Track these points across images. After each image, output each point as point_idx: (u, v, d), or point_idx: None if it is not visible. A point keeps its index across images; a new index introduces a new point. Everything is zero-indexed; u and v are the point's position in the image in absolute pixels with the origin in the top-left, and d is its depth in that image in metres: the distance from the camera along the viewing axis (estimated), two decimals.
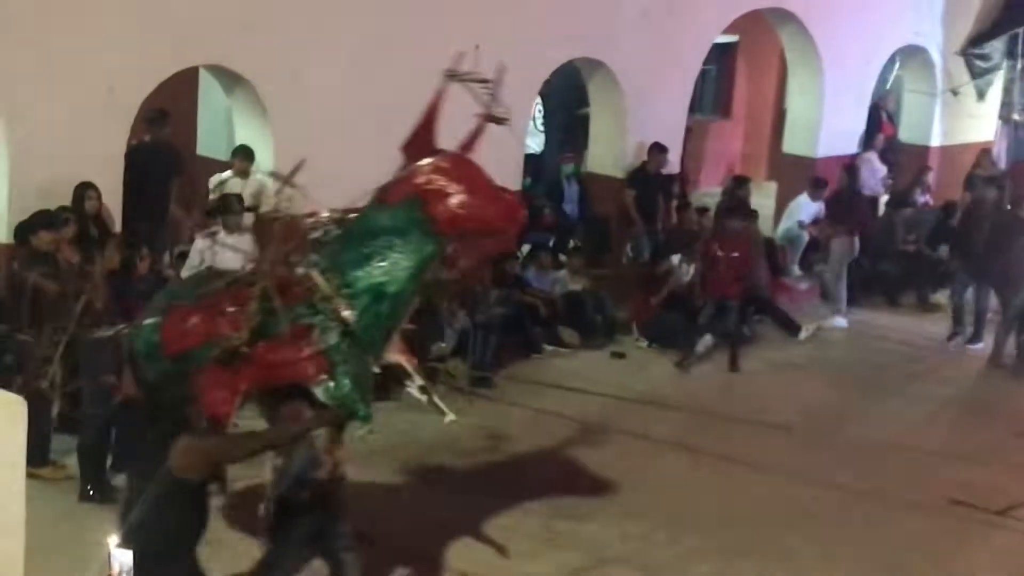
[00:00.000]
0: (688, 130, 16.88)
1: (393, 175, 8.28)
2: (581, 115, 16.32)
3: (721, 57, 19.30)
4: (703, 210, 15.42)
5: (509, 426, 11.49)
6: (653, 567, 9.16)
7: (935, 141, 19.00)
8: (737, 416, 12.10)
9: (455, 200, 7.84)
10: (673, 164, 15.77)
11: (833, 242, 15.39)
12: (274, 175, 8.21)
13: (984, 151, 18.56)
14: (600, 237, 15.35)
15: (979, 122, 19.45)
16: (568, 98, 16.95)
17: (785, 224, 16.57)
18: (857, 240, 15.42)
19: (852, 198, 15.86)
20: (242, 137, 12.62)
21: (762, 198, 17.56)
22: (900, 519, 10.19)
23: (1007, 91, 19.52)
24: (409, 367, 8.07)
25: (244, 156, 12.34)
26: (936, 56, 18.59)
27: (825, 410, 12.55)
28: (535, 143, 17.22)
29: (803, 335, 14.58)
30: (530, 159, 15.45)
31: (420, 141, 8.56)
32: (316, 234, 7.91)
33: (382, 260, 7.70)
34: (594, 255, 15.04)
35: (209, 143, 14.17)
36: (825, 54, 17.12)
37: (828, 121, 17.45)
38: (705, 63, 16.79)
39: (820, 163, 17.33)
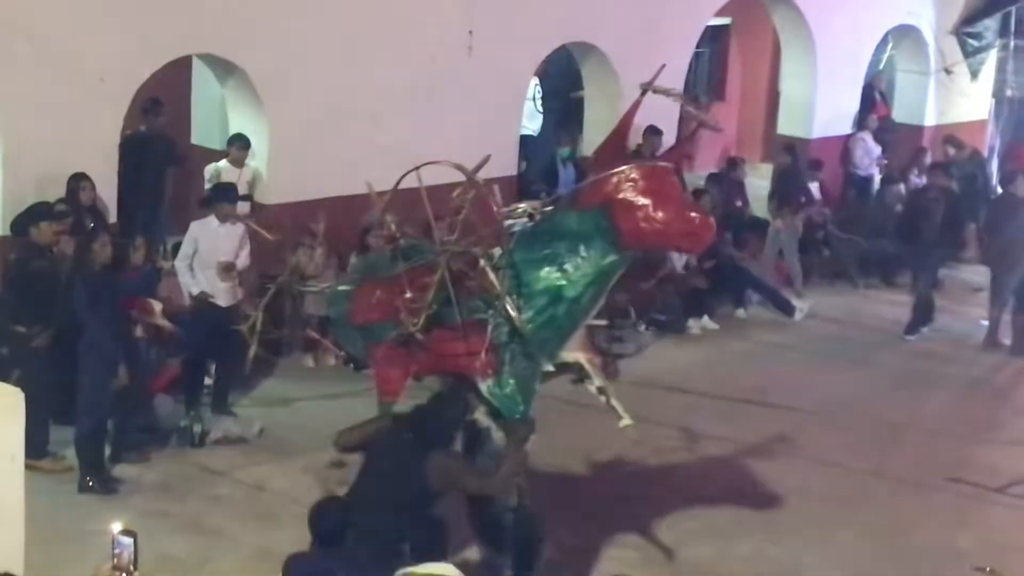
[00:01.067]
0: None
1: (588, 180, 8.26)
2: (576, 98, 16.31)
3: (714, 39, 19.28)
4: (700, 192, 15.41)
5: None
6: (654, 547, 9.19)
7: (929, 121, 18.99)
8: (734, 396, 12.13)
9: (641, 214, 7.75)
10: (668, 146, 15.75)
11: (776, 223, 15.41)
12: (460, 168, 8.28)
13: (949, 135, 18.47)
14: None
15: (972, 101, 19.43)
16: (565, 81, 16.93)
17: None
18: (800, 220, 15.48)
19: (795, 178, 15.86)
20: (236, 126, 12.60)
21: (757, 179, 17.55)
22: (899, 497, 10.22)
23: (1000, 70, 19.50)
24: (589, 367, 8.02)
25: (240, 145, 12.33)
26: (929, 36, 18.56)
27: (821, 390, 12.55)
28: (532, 125, 17.21)
29: (798, 315, 14.61)
30: (526, 142, 15.44)
31: (613, 149, 8.54)
32: (507, 229, 7.92)
33: (564, 263, 7.72)
34: None
35: (203, 132, 14.16)
36: (818, 35, 17.11)
37: (822, 102, 17.44)
38: (698, 46, 16.78)
39: (815, 144, 17.34)
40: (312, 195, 12.37)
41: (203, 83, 13.85)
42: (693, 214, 7.93)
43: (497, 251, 7.75)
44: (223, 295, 11.04)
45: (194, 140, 14.26)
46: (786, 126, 17.84)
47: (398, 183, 8.09)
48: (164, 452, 10.36)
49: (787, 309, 14.70)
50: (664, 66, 9.04)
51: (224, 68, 12.34)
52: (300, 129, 12.44)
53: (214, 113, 13.87)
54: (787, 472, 10.53)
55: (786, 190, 15.70)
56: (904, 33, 18.59)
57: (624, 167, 7.94)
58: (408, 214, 12.67)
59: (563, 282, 7.67)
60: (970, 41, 18.96)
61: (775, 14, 17.33)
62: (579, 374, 8.09)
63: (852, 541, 9.49)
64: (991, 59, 19.36)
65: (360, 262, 8.77)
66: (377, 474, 7.28)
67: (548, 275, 7.68)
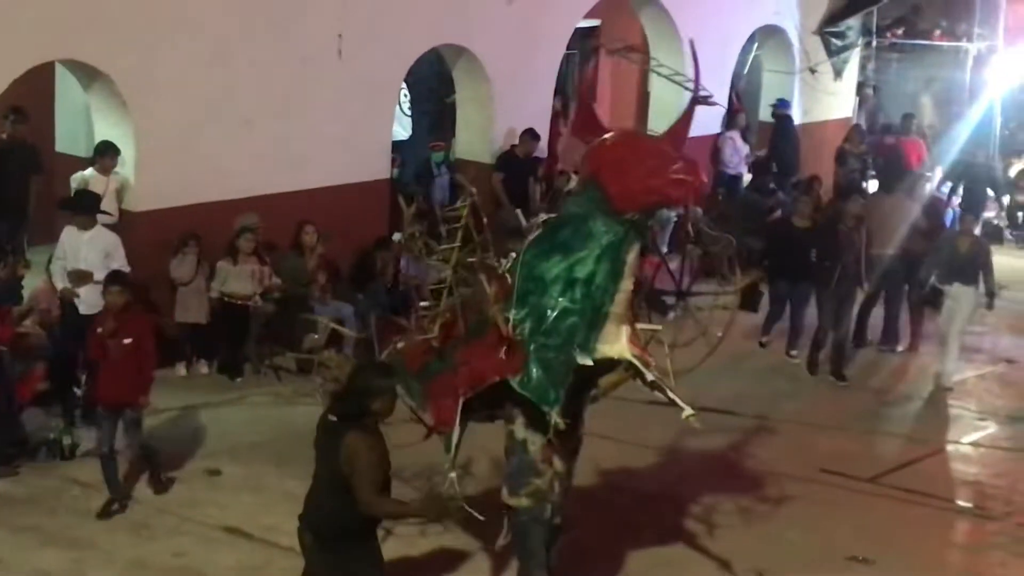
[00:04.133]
0: (556, 114, 16.97)
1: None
2: (449, 102, 16.32)
3: (584, 41, 19.41)
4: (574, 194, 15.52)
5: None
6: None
7: (795, 119, 19.34)
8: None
9: (626, 173, 7.59)
10: (541, 148, 15.86)
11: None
12: (459, 181, 8.07)
13: (855, 126, 18.95)
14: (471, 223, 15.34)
15: (837, 99, 19.86)
16: (435, 85, 16.93)
17: None
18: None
19: None
20: (101, 133, 12.37)
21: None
22: (773, 489, 10.36)
23: (863, 68, 19.98)
24: (638, 362, 7.77)
25: (110, 153, 12.09)
26: (794, 36, 18.91)
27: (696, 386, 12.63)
28: (402, 129, 17.18)
29: (671, 314, 14.72)
30: (398, 146, 15.41)
31: (587, 122, 8.24)
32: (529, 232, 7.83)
33: (570, 247, 7.59)
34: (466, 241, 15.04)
35: (68, 140, 13.89)
36: (685, 35, 17.31)
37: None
38: (568, 48, 16.89)
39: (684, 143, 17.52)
40: (182, 201, 12.21)
41: (67, 89, 13.59)
42: (677, 163, 7.70)
43: (512, 256, 7.73)
44: (83, 303, 10.86)
45: (59, 148, 13.98)
46: (656, 126, 17.96)
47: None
48: (33, 465, 10.13)
49: (660, 308, 14.81)
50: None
51: (88, 74, 12.10)
52: (168, 134, 12.25)
53: (79, 120, 13.61)
54: (662, 467, 10.61)
55: None
56: (769, 33, 18.92)
57: (598, 138, 7.86)
58: (277, 220, 12.64)
59: (572, 264, 7.57)
60: (834, 41, 19.41)
61: (643, 15, 17.51)
62: (629, 370, 7.89)
63: (730, 536, 9.54)
64: (854, 58, 19.81)
65: None
66: (316, 461, 7.02)
67: (557, 262, 7.59)
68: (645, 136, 8.19)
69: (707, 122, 17.94)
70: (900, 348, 13.97)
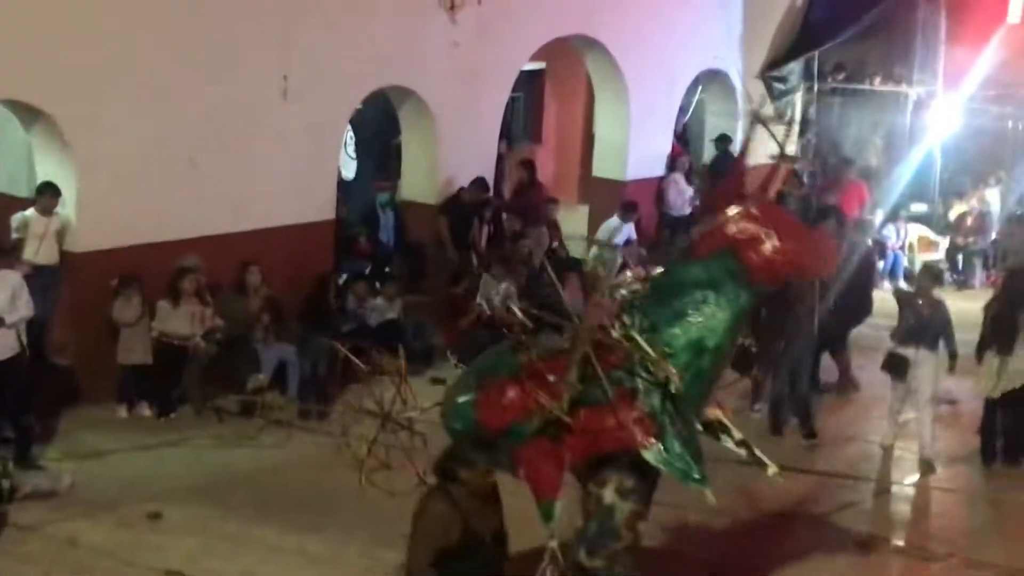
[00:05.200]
0: (500, 156, 17.04)
1: (702, 228, 8.10)
2: (395, 143, 16.35)
3: (530, 84, 19.53)
4: (519, 236, 15.59)
5: (332, 456, 11.36)
6: None
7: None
8: None
9: (769, 248, 7.62)
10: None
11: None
12: (593, 242, 8.01)
13: (791, 170, 19.12)
14: (416, 264, 15.37)
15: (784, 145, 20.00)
16: (381, 126, 16.95)
17: (596, 247, 16.81)
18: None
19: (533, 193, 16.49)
20: (43, 173, 12.27)
21: (574, 221, 17.79)
22: (719, 528, 10.36)
23: (805, 112, 20.18)
24: (727, 420, 7.84)
25: (50, 193, 11.99)
26: (736, 79, 19.10)
27: None
28: (347, 170, 17.17)
29: None
30: (343, 187, 15.40)
31: (729, 190, 8.31)
32: (624, 293, 7.69)
33: (699, 315, 7.53)
34: (411, 282, 15.04)
35: (9, 180, 13.74)
36: (630, 79, 17.46)
37: (635, 144, 17.80)
38: (514, 90, 16.97)
39: (629, 186, 17.66)
40: (124, 242, 12.13)
41: (8, 129, 13.46)
42: (816, 237, 7.84)
43: (626, 319, 7.53)
44: None
45: (0, 188, 13.85)
46: (601, 168, 18.14)
47: None
48: None
49: None
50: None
51: (29, 114, 12.02)
52: (111, 174, 12.18)
53: (20, 160, 13.47)
54: None
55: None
56: (713, 77, 19.09)
57: (734, 208, 7.82)
58: (221, 261, 12.57)
59: (704, 333, 7.53)
60: (776, 84, 19.60)
61: (588, 59, 17.64)
62: (718, 430, 7.92)
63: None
64: (797, 102, 20.02)
65: (472, 366, 8.25)
66: None
67: (687, 330, 7.52)
68: (778, 209, 8.21)
69: (651, 165, 18.08)
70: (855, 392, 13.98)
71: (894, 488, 11.78)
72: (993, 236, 19.56)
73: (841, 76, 20.42)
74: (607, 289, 7.70)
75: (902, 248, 18.78)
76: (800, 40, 19.61)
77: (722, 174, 18.75)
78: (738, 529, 10.31)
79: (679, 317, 7.54)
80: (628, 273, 8.01)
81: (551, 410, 7.30)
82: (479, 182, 15.59)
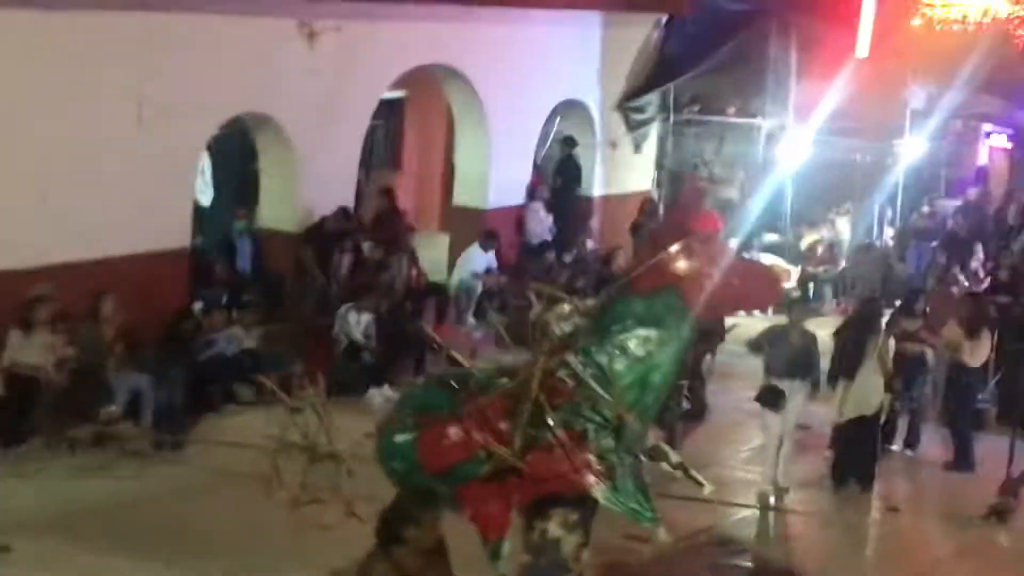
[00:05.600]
0: (360, 184, 17.02)
1: (640, 264, 8.00)
2: (252, 170, 16.22)
3: (390, 112, 19.54)
4: (381, 265, 15.58)
5: (188, 486, 11.22)
6: None
7: (597, 191, 19.75)
8: None
9: (713, 284, 7.67)
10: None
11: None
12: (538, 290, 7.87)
13: (647, 199, 19.47)
14: (274, 292, 15.23)
15: (637, 172, 20.33)
16: (239, 153, 16.79)
17: (458, 275, 16.87)
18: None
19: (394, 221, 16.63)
20: None
21: (435, 250, 17.82)
22: None
23: (661, 142, 20.52)
24: (664, 446, 7.87)
25: None
26: (595, 110, 19.34)
27: None
28: (204, 197, 16.96)
29: None
30: (199, 214, 15.19)
31: (672, 229, 8.23)
32: (566, 328, 7.54)
33: (643, 352, 7.50)
34: (269, 311, 14.89)
35: None
36: (490, 108, 17.57)
37: (496, 173, 17.91)
38: (374, 118, 16.96)
39: (490, 214, 17.75)
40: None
41: None
42: (760, 271, 7.94)
43: (570, 358, 7.45)
44: None
45: None
46: (462, 197, 18.21)
47: None
48: None
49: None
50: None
51: None
52: None
53: None
54: None
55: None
56: (571, 107, 19.30)
57: (676, 244, 7.80)
58: (75, 289, 12.31)
59: (649, 370, 7.53)
60: (633, 115, 19.90)
61: (448, 88, 17.71)
62: (656, 455, 7.91)
63: None
64: (653, 132, 20.34)
65: (406, 403, 8.11)
66: None
67: (632, 367, 7.51)
68: (720, 244, 8.24)
69: (511, 194, 18.21)
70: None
71: (746, 512, 11.96)
72: (842, 264, 20.08)
73: (696, 108, 20.79)
74: (553, 330, 7.64)
75: None
76: (656, 73, 19.94)
77: (568, 176, 19.11)
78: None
79: (624, 353, 7.56)
80: (566, 307, 7.98)
81: (503, 456, 7.28)
82: (342, 211, 15.54)
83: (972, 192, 21.34)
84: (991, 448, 13.15)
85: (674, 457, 7.88)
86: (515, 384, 7.44)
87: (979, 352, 13.51)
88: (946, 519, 12.18)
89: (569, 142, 19.31)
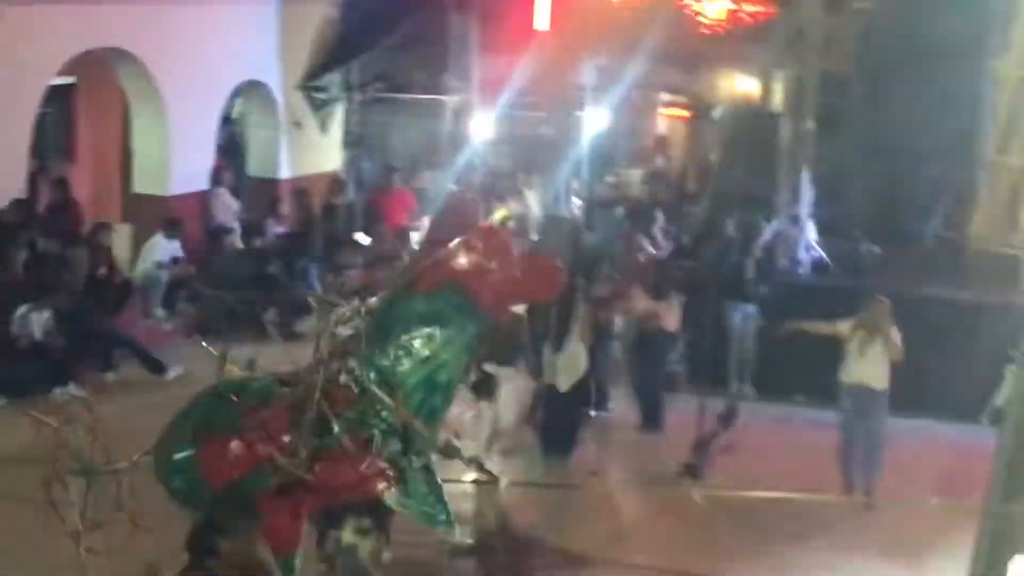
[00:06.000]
0: (33, 174, 16.23)
1: (420, 262, 7.73)
2: None
3: (61, 99, 18.62)
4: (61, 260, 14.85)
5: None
6: None
7: (284, 173, 19.37)
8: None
9: (495, 278, 7.53)
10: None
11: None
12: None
13: (336, 179, 19.22)
14: None
15: (325, 153, 20.05)
16: None
17: (142, 266, 16.26)
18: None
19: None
20: None
21: (117, 240, 17.10)
22: None
23: (347, 121, 20.28)
24: (456, 442, 7.83)
25: None
26: (277, 90, 18.95)
27: None
28: None
29: (171, 374, 14.31)
30: None
31: (448, 226, 7.94)
32: (346, 331, 7.25)
33: (428, 351, 7.34)
34: None
35: None
36: (166, 91, 16.97)
37: (177, 158, 17.33)
38: (44, 106, 16.14)
39: (173, 201, 17.17)
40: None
41: None
42: (541, 263, 7.91)
43: (352, 363, 7.21)
44: None
45: None
46: (142, 184, 17.55)
47: None
48: None
49: (158, 368, 14.38)
50: None
51: None
52: None
53: None
54: None
55: None
56: (253, 88, 18.86)
57: (458, 239, 7.71)
58: None
59: (435, 369, 7.40)
60: (317, 95, 19.58)
61: (120, 72, 17.02)
62: (450, 452, 7.83)
63: None
64: (339, 112, 20.07)
65: (183, 417, 7.62)
66: None
67: (417, 368, 7.36)
68: (501, 235, 8.18)
69: (194, 179, 17.65)
70: None
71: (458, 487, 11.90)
72: (533, 237, 20.32)
73: (382, 86, 20.63)
74: (332, 329, 7.49)
75: None
76: (337, 51, 19.66)
77: (230, 153, 18.69)
78: None
79: (408, 355, 7.46)
80: (344, 309, 7.75)
81: (289, 469, 7.09)
82: (17, 203, 14.70)
83: (654, 161, 21.95)
84: (683, 409, 13.52)
85: (467, 453, 7.97)
86: (296, 393, 7.28)
87: (669, 316, 13.90)
88: (642, 480, 12.44)
89: (227, 121, 18.82)
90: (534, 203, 20.75)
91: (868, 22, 17.89)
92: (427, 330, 7.54)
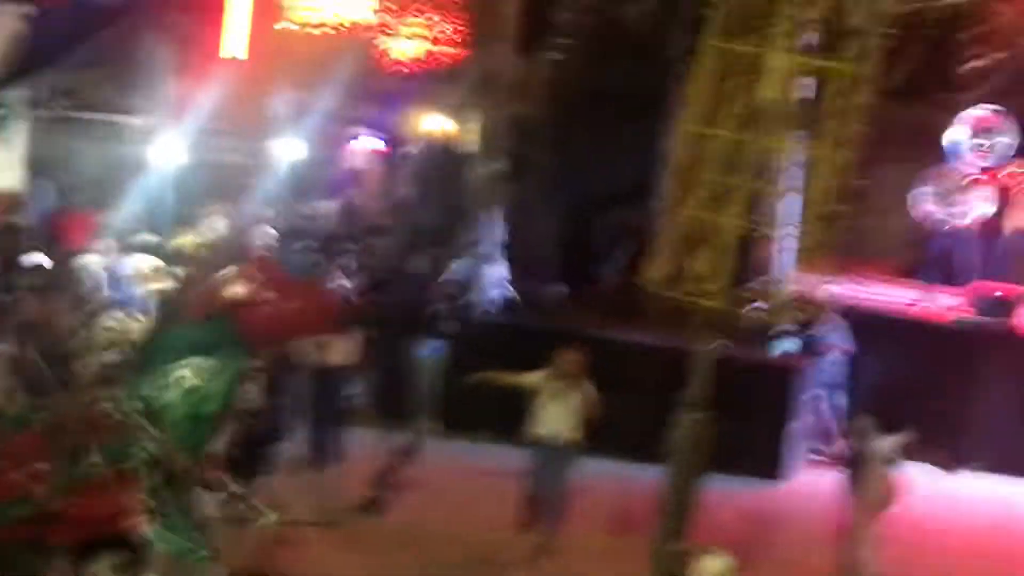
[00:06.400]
0: None
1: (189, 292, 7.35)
2: None
3: None
4: None
5: None
6: None
7: None
8: None
9: (269, 310, 7.27)
10: None
11: None
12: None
13: (12, 197, 18.45)
14: None
15: (4, 170, 19.27)
16: None
17: None
18: None
19: None
20: None
21: None
22: None
23: (30, 139, 19.56)
24: (223, 477, 7.55)
25: None
26: None
27: None
28: None
29: None
30: None
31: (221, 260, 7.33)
32: (110, 360, 7.04)
33: (196, 382, 7.05)
34: None
35: None
36: None
37: None
38: None
39: None
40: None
41: None
42: (314, 294, 7.81)
43: (115, 392, 6.96)
44: None
45: None
46: None
47: None
48: None
49: None
50: None
51: None
52: None
53: None
54: None
55: None
56: None
57: (229, 268, 7.53)
58: None
59: (201, 401, 7.12)
60: None
61: None
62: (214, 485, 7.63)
63: None
64: (22, 129, 19.34)
65: None
66: None
67: (183, 400, 7.08)
68: (274, 266, 8.28)
69: None
70: None
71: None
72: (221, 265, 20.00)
73: (68, 103, 19.98)
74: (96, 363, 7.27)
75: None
76: (21, 66, 18.95)
77: None
78: None
79: (174, 386, 7.26)
80: (109, 338, 7.46)
81: (36, 501, 6.81)
82: None
83: (347, 193, 21.97)
84: (364, 442, 13.50)
85: (233, 488, 7.86)
86: (53, 421, 7.09)
87: (346, 350, 13.72)
88: (321, 514, 12.20)
89: None
90: (222, 230, 20.45)
91: (557, 69, 18.41)
92: (196, 360, 7.40)
